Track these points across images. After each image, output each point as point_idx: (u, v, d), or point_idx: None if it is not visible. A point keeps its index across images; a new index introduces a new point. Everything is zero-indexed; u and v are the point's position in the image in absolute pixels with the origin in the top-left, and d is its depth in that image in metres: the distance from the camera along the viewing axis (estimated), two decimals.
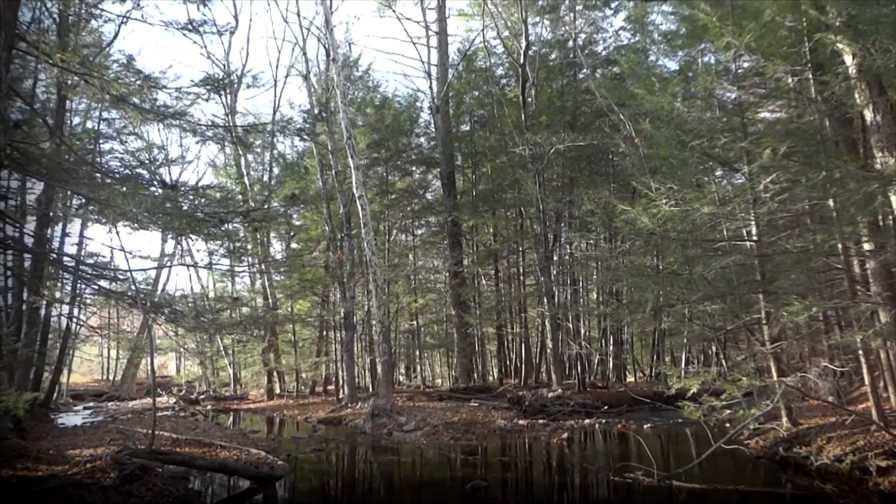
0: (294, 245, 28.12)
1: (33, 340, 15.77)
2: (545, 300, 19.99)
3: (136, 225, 10.97)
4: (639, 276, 12.92)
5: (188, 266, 22.95)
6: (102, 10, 12.88)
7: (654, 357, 23.55)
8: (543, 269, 19.93)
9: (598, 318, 22.22)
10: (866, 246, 9.24)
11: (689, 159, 10.63)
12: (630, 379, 24.15)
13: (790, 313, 8.95)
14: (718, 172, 13.33)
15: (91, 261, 11.99)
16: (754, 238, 10.44)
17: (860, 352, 9.26)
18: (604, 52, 24.35)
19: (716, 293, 10.41)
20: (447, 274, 24.50)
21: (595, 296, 23.99)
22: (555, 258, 21.47)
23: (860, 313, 9.39)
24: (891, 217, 9.12)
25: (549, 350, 20.73)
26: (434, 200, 26.36)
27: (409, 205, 26.36)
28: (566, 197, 22.12)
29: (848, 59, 8.76)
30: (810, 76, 9.82)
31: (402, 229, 28.82)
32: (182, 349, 30.96)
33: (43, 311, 17.04)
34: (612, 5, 23.82)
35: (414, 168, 26.72)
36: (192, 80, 11.41)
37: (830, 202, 8.96)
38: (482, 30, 24.12)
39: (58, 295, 16.00)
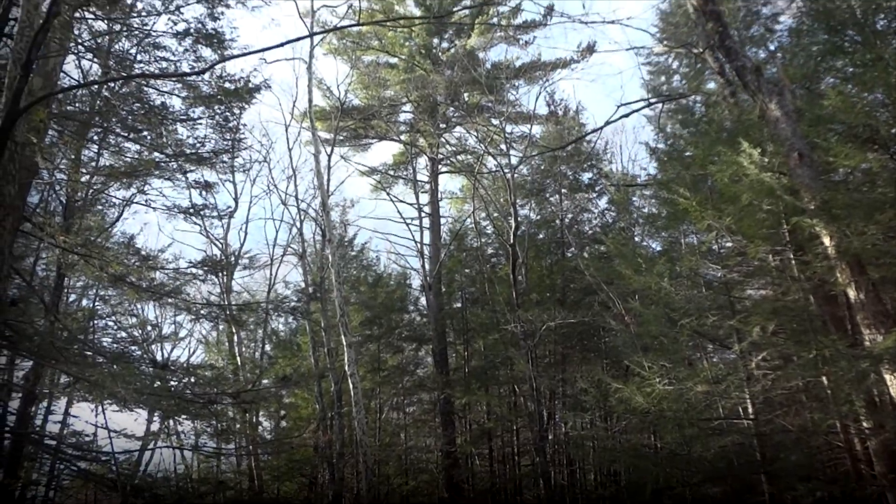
0: (284, 424, 27.40)
1: None
2: (541, 482, 19.26)
3: (123, 404, 10.78)
4: (637, 458, 12.59)
5: (174, 448, 22.23)
6: (108, 195, 13.43)
7: None
8: (538, 449, 19.35)
9: (598, 502, 21.33)
10: (865, 424, 9.10)
11: (680, 337, 10.70)
12: None
13: (795, 496, 8.66)
14: (710, 348, 13.36)
15: (73, 440, 11.68)
16: (751, 416, 10.31)
17: None
18: (590, 231, 25.14)
19: (716, 474, 10.12)
20: (439, 454, 23.74)
21: (593, 476, 23.13)
22: (550, 437, 20.93)
23: (867, 496, 9.09)
24: (887, 395, 9.05)
25: None
26: (426, 377, 26.07)
27: (400, 382, 26.03)
28: (559, 374, 21.94)
29: (826, 241, 9.04)
30: (791, 256, 10.12)
31: (394, 407, 28.24)
32: None
33: (17, 494, 16.28)
34: (596, 189, 24.94)
35: (406, 344, 26.66)
36: (189, 261, 11.73)
37: (824, 380, 8.93)
38: (473, 211, 25.03)
39: (34, 476, 15.36)
